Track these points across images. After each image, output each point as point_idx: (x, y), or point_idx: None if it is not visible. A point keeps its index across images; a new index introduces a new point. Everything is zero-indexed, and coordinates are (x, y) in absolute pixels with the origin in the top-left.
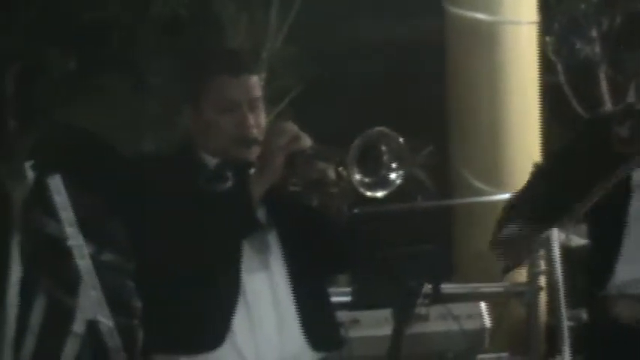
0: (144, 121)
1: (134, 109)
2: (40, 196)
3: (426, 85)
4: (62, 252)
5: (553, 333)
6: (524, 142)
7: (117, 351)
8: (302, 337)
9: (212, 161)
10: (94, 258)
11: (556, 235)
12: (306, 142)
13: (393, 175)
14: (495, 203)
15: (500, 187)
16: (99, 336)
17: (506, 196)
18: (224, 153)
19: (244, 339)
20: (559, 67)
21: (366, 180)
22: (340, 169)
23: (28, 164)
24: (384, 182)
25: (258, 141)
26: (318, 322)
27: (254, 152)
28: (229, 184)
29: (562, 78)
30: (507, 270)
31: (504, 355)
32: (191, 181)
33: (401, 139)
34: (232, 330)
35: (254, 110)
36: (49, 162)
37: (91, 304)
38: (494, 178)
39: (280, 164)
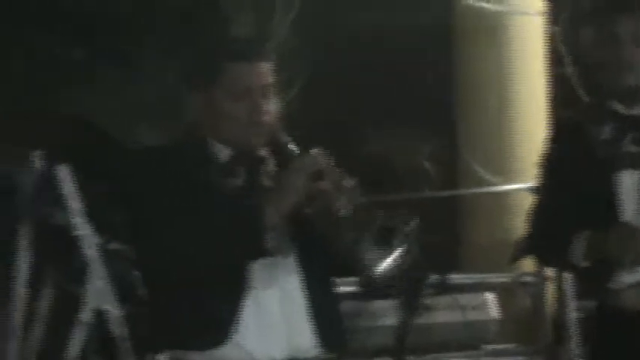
0: (145, 110)
1: (136, 98)
2: (48, 186)
3: (434, 75)
4: (69, 242)
5: (560, 324)
6: (531, 133)
7: (124, 339)
8: (310, 334)
9: (223, 150)
10: (101, 247)
11: None
12: (325, 185)
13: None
14: (502, 194)
15: (507, 177)
16: (106, 325)
17: (512, 187)
18: (236, 140)
19: (251, 336)
20: (566, 58)
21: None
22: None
23: (35, 154)
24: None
25: (269, 129)
26: (326, 320)
27: (264, 140)
28: (241, 180)
29: (570, 69)
30: (514, 260)
31: (510, 345)
32: (201, 171)
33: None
34: (239, 328)
35: (266, 97)
36: (57, 152)
37: (98, 293)
38: (502, 168)
39: (293, 202)
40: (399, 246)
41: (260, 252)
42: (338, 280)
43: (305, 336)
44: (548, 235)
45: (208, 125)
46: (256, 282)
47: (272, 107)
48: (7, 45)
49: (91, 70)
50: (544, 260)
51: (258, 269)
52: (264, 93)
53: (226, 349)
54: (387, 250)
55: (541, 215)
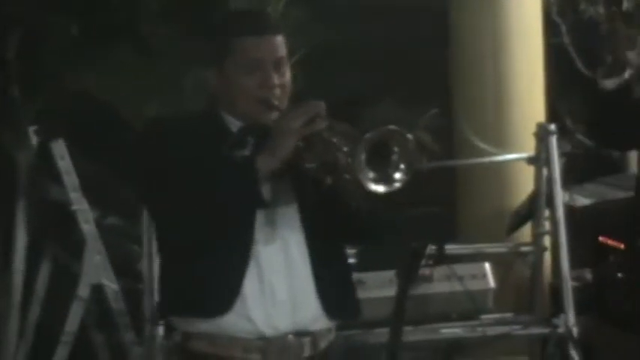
0: (148, 85)
1: (138, 73)
2: (44, 161)
3: (430, 46)
4: (67, 217)
5: (557, 293)
6: (528, 102)
7: (122, 314)
8: (317, 305)
9: (236, 123)
10: (99, 222)
11: (560, 196)
12: (320, 124)
13: (397, 175)
14: (499, 164)
15: (504, 147)
16: (104, 300)
17: (509, 157)
18: (247, 114)
19: (255, 305)
20: (563, 28)
21: (370, 175)
22: (349, 159)
23: (32, 129)
24: (387, 180)
25: (279, 107)
26: (334, 291)
27: (275, 114)
28: (249, 150)
29: (566, 39)
30: (512, 230)
31: (508, 315)
32: (213, 144)
33: (412, 140)
34: (243, 296)
35: (279, 70)
36: (53, 127)
37: (96, 268)
38: (498, 139)
39: (290, 146)
40: (400, 159)
41: (256, 201)
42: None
43: (311, 307)
44: None
45: (221, 98)
46: (261, 252)
47: (286, 80)
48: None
49: (91, 45)
50: None
51: (260, 225)
52: (276, 67)
53: (230, 318)
54: (387, 165)
55: None
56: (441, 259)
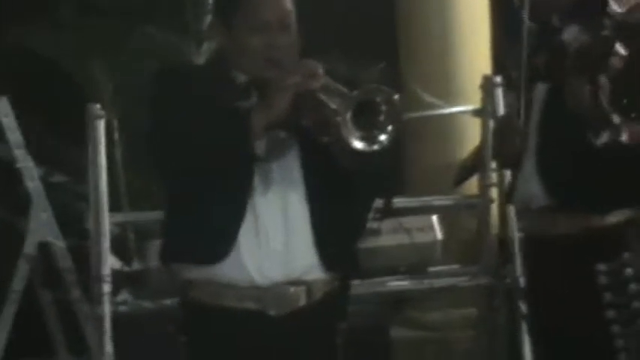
0: (92, 42)
1: (82, 30)
2: None
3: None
4: (11, 174)
5: (504, 244)
6: (474, 54)
7: (69, 272)
8: (313, 256)
9: (242, 78)
10: (44, 180)
11: None
12: (315, 83)
13: (383, 137)
14: (445, 116)
15: (450, 100)
16: (50, 257)
17: (455, 109)
18: (253, 71)
19: (249, 254)
20: None
21: (357, 133)
22: (338, 118)
23: None
24: (372, 140)
25: (285, 65)
26: (333, 243)
27: (279, 72)
28: (254, 102)
29: None
30: (459, 182)
31: (456, 266)
32: (219, 96)
33: (398, 100)
34: (238, 244)
35: (285, 29)
36: None
37: (42, 226)
38: (445, 91)
39: (284, 103)
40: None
41: (248, 154)
42: None
43: (306, 258)
44: None
45: (229, 53)
46: (258, 202)
47: (291, 39)
48: None
49: (37, 2)
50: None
51: (259, 177)
52: (282, 26)
53: (225, 266)
54: (374, 126)
55: None
56: (389, 212)
